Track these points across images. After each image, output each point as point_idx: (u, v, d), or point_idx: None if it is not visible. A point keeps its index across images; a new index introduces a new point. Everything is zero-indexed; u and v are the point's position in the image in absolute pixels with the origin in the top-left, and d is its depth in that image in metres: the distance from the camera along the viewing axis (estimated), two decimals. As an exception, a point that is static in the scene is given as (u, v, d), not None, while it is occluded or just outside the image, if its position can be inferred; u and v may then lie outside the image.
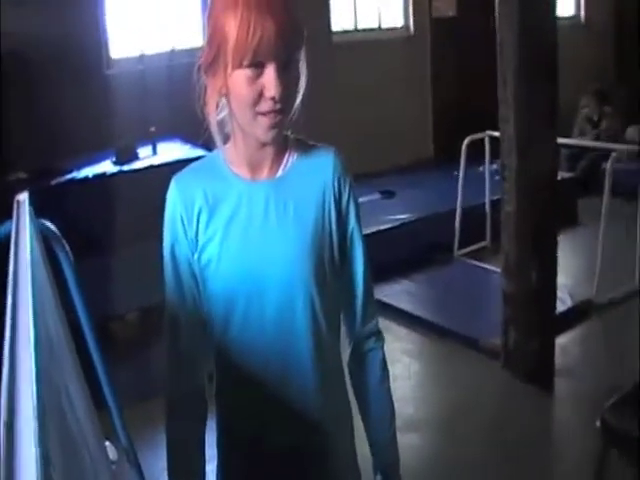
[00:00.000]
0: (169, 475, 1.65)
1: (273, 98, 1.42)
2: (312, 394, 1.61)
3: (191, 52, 6.21)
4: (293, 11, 1.43)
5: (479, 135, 6.03)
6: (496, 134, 5.67)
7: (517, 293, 4.19)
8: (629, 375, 3.90)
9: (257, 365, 1.59)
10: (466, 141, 5.99)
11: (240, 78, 1.43)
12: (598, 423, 2.84)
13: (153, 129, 5.19)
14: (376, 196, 6.46)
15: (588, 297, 5.15)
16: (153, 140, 5.19)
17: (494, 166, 6.21)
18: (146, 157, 5.12)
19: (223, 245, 1.55)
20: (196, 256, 1.57)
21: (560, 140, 4.52)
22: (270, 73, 1.42)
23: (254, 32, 1.38)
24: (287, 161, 1.59)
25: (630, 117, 8.06)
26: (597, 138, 7.70)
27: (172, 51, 6.16)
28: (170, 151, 5.20)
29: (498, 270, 5.09)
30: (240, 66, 1.42)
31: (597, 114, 7.94)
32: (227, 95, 1.47)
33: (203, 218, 1.56)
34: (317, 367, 1.59)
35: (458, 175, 6.13)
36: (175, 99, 5.74)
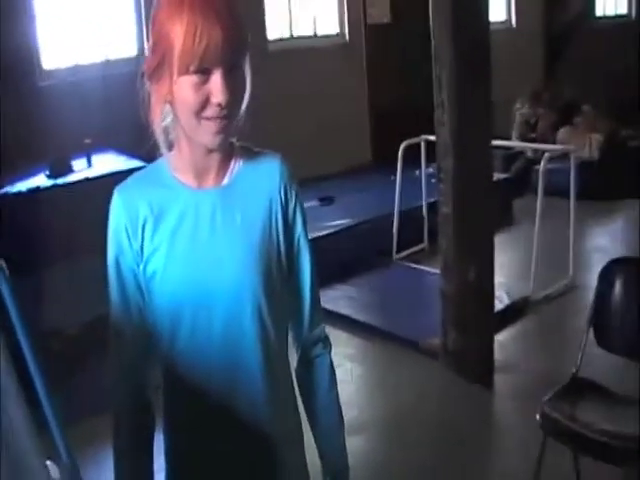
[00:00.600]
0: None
1: (219, 104, 1.42)
2: (261, 404, 1.59)
3: (126, 62, 6.23)
4: (239, 17, 1.43)
5: (415, 139, 6.10)
6: (432, 138, 5.77)
7: (455, 293, 4.26)
8: (567, 368, 4.02)
9: (205, 377, 1.57)
10: (402, 146, 6.06)
11: (186, 84, 1.42)
12: (538, 416, 2.90)
13: (88, 141, 5.13)
14: (315, 203, 6.49)
15: (525, 294, 5.26)
16: (88, 152, 5.13)
17: (430, 169, 6.32)
18: (81, 170, 5.05)
19: (169, 256, 1.53)
20: (141, 267, 1.54)
21: (494, 142, 4.61)
22: (217, 79, 1.42)
23: (201, 38, 1.38)
24: (233, 168, 1.58)
25: (560, 118, 8.26)
26: (534, 140, 7.88)
27: (106, 61, 6.11)
28: (105, 163, 5.15)
29: (436, 272, 5.17)
30: (186, 72, 1.41)
31: (533, 117, 8.14)
32: (172, 101, 1.46)
33: (148, 229, 1.53)
34: (266, 376, 1.58)
35: (395, 179, 6.21)
36: (110, 110, 5.75)
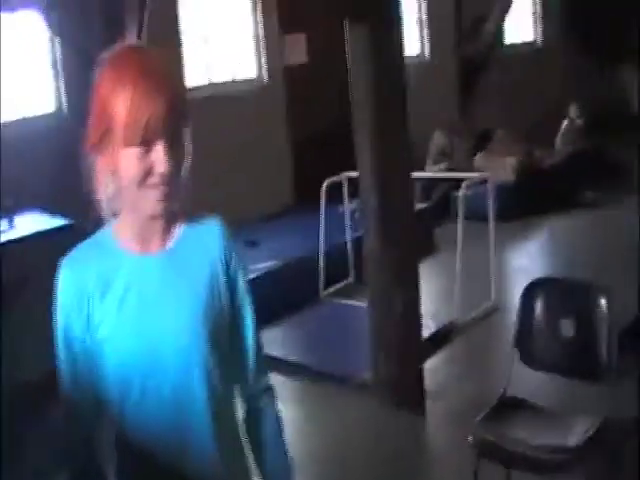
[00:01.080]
0: None
1: (162, 174, 1.48)
2: (212, 462, 1.62)
3: (43, 118, 6.18)
4: (179, 87, 1.54)
5: (337, 177, 6.22)
6: (353, 174, 5.92)
7: (384, 324, 4.35)
8: (496, 389, 4.13)
9: (155, 441, 1.59)
10: (325, 184, 6.15)
11: (129, 156, 1.47)
12: (470, 438, 2.99)
13: (9, 202, 4.98)
14: (240, 246, 6.49)
15: (451, 319, 5.38)
16: (9, 213, 4.95)
17: (353, 204, 6.45)
18: (3, 231, 4.94)
19: (117, 324, 1.55)
20: (89, 337, 1.57)
21: (415, 174, 4.74)
22: (159, 151, 1.47)
23: (143, 113, 1.44)
24: (176, 233, 1.63)
25: (476, 145, 8.55)
26: (450, 169, 8.10)
27: (23, 119, 6.05)
28: (28, 223, 4.99)
29: (364, 305, 5.27)
30: (130, 145, 1.46)
31: (449, 147, 8.38)
32: (115, 172, 1.50)
33: (96, 298, 1.56)
34: (216, 435, 1.61)
35: (318, 218, 6.30)
36: (30, 168, 5.71)
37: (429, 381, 4.48)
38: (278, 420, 1.77)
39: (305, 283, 6.17)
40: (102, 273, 1.57)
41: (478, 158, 8.27)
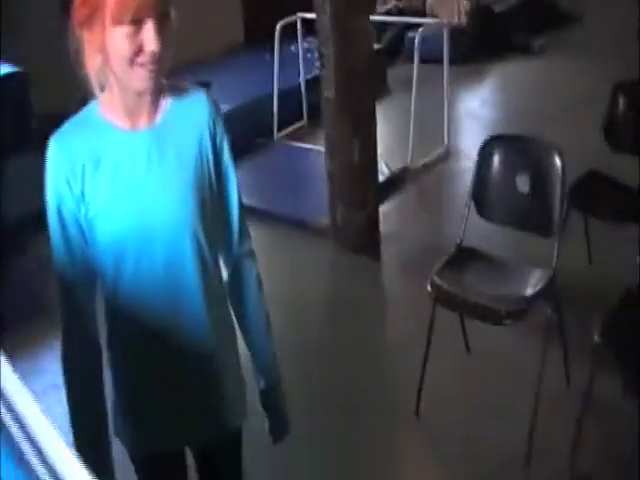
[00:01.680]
0: (71, 413, 1.72)
1: (153, 52, 1.49)
2: (202, 327, 1.73)
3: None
4: None
5: (291, 18, 6.08)
6: (308, 16, 5.80)
7: (341, 172, 4.42)
8: (447, 235, 4.29)
9: (150, 306, 1.68)
10: (279, 25, 6.00)
11: (120, 34, 1.48)
12: (428, 287, 3.14)
13: None
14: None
15: (404, 165, 5.45)
16: None
17: (305, 44, 6.35)
18: None
19: (110, 197, 1.60)
20: (83, 211, 1.61)
21: (371, 17, 4.66)
22: (150, 29, 1.48)
23: None
24: (163, 107, 1.65)
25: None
26: (400, 10, 7.95)
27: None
28: None
29: (319, 148, 5.31)
30: (120, 23, 1.47)
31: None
32: (103, 49, 1.51)
33: (88, 173, 1.59)
34: (205, 296, 1.71)
35: (271, 58, 6.20)
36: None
37: (383, 227, 4.61)
38: (259, 281, 1.88)
39: (258, 125, 6.15)
40: (93, 148, 1.60)
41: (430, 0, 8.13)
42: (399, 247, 4.59)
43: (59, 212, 1.61)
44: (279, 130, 6.23)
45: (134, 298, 1.68)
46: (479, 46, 7.69)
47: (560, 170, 3.09)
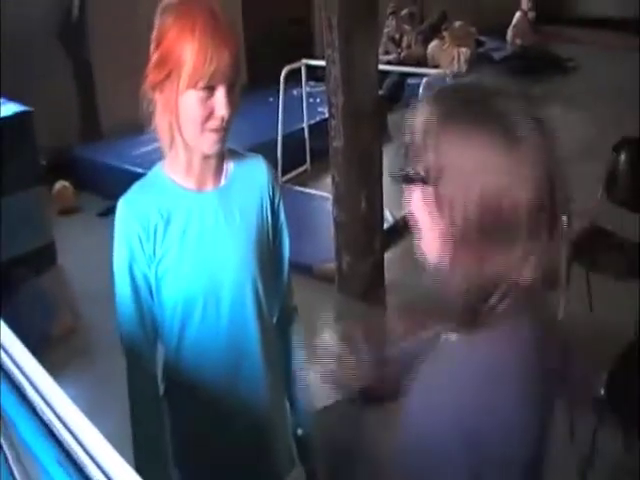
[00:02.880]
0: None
1: (222, 117, 1.59)
2: (260, 380, 1.83)
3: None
4: (238, 40, 1.63)
5: (296, 64, 6.20)
6: (312, 63, 5.93)
7: (348, 221, 4.50)
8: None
9: (213, 362, 1.77)
10: (284, 71, 6.13)
11: (193, 98, 1.58)
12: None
13: None
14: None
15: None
16: None
17: (308, 89, 6.47)
18: None
19: (180, 255, 1.70)
20: (153, 270, 1.70)
21: (381, 67, 4.77)
22: (221, 95, 1.59)
23: (211, 61, 1.54)
24: (227, 171, 1.77)
25: (430, 33, 8.54)
26: (399, 55, 8.11)
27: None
28: None
29: (322, 194, 5.40)
30: (194, 87, 1.57)
31: (398, 32, 8.36)
32: (173, 112, 1.61)
33: (159, 233, 1.69)
34: (264, 354, 1.82)
35: (274, 101, 6.31)
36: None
37: (388, 273, 4.67)
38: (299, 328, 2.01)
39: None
40: (164, 209, 1.70)
41: (431, 46, 8.29)
42: (404, 294, 4.65)
43: (130, 270, 1.70)
44: (282, 175, 6.31)
45: (197, 354, 1.77)
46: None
47: (564, 229, 3.16)
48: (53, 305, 4.44)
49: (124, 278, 1.71)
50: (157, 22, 1.62)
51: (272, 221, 1.83)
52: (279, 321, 1.95)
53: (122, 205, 1.71)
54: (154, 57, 1.61)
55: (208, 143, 1.64)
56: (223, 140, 1.66)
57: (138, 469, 0.82)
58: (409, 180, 1.24)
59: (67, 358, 3.91)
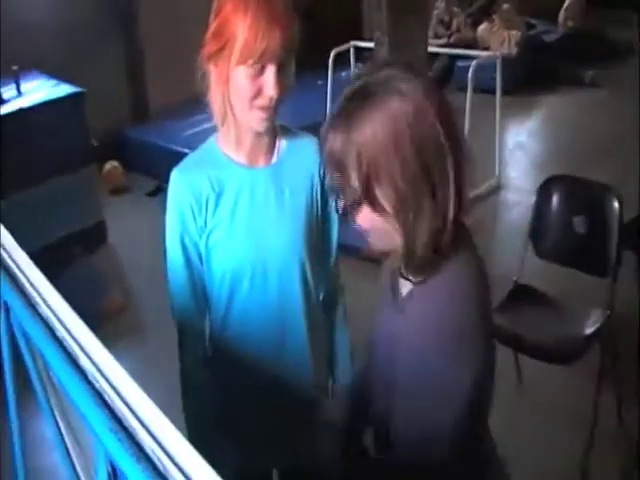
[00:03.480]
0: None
1: (271, 97, 1.60)
2: (304, 350, 1.85)
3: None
4: (294, 19, 1.60)
5: (345, 46, 6.18)
6: (360, 44, 5.90)
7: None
8: (499, 270, 4.30)
9: (259, 332, 1.80)
10: (333, 53, 6.11)
11: (243, 74, 1.59)
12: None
13: (15, 67, 4.91)
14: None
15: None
16: (16, 79, 4.91)
17: (356, 71, 6.43)
18: (11, 99, 4.86)
19: (230, 227, 1.72)
20: (204, 240, 1.73)
21: (430, 49, 4.74)
22: (270, 74, 1.59)
23: (262, 39, 1.55)
24: (278, 148, 1.77)
25: (479, 16, 8.43)
26: (449, 38, 8.04)
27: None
28: (35, 91, 4.99)
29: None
30: (244, 63, 1.58)
31: (447, 15, 8.28)
32: (226, 85, 1.62)
33: (211, 205, 1.71)
34: (309, 326, 1.84)
35: (322, 84, 6.30)
36: (35, 33, 5.62)
37: (434, 257, 4.63)
38: (345, 306, 2.03)
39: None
40: (216, 181, 1.72)
41: (481, 29, 8.21)
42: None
43: (182, 239, 1.73)
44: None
45: (243, 324, 1.80)
46: (528, 76, 7.72)
47: (617, 213, 3.13)
48: (104, 283, 4.52)
49: (176, 246, 1.74)
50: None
51: (322, 202, 1.83)
52: (325, 301, 1.97)
53: (175, 175, 1.73)
54: (212, 27, 1.63)
55: (256, 120, 1.65)
56: (271, 119, 1.67)
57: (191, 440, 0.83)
58: (352, 206, 1.32)
59: (118, 336, 3.96)
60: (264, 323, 1.79)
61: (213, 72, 1.64)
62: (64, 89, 4.98)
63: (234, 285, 1.76)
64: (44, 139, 4.66)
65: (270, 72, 1.59)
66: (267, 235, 1.75)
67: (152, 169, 5.88)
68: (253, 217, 1.74)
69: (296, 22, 1.61)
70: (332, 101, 6.14)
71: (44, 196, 4.69)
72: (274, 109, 1.65)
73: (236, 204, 1.73)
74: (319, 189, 1.82)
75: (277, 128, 1.78)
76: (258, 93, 1.61)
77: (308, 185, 1.80)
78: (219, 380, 1.87)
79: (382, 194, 1.28)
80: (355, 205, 1.31)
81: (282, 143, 1.79)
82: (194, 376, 1.84)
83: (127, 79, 6.80)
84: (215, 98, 1.66)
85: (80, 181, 4.99)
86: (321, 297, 1.95)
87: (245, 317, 1.79)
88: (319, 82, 6.62)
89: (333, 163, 1.30)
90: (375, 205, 1.29)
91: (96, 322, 4.03)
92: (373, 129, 1.25)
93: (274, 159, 1.77)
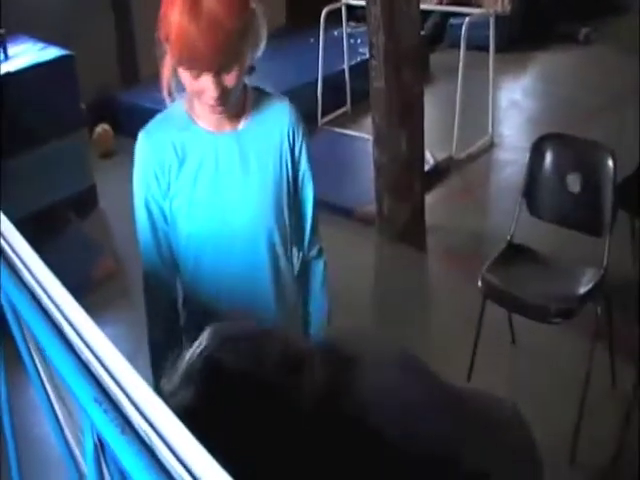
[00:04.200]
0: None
1: (213, 97, 1.55)
2: (272, 313, 1.83)
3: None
4: (232, 25, 1.48)
5: (337, 4, 6.09)
6: (352, 2, 5.82)
7: (389, 163, 4.46)
8: (493, 227, 4.32)
9: (226, 294, 1.78)
10: (325, 11, 6.00)
11: (183, 74, 1.55)
12: (479, 283, 3.18)
13: (1, 31, 4.81)
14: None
15: (448, 154, 5.46)
16: (2, 42, 4.80)
17: (349, 29, 6.37)
18: None
19: (193, 194, 1.69)
20: (168, 204, 1.71)
21: (422, 7, 4.66)
22: (207, 81, 1.53)
23: (188, 46, 1.47)
24: (247, 113, 1.72)
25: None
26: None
27: None
28: (22, 54, 4.89)
29: (363, 135, 5.35)
30: (179, 66, 1.54)
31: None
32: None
33: (174, 169, 1.68)
34: (278, 296, 1.83)
35: (314, 42, 6.22)
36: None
37: (429, 217, 4.63)
38: (324, 274, 1.99)
39: (302, 111, 6.14)
40: (180, 146, 1.68)
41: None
42: (445, 237, 4.62)
43: (147, 204, 1.72)
44: (322, 116, 6.24)
45: (211, 285, 1.78)
46: (523, 34, 7.62)
47: (612, 172, 3.11)
48: (95, 248, 4.50)
49: (141, 209, 1.73)
50: None
51: (292, 170, 1.78)
52: (303, 266, 1.95)
53: (141, 139, 1.71)
54: (160, 15, 1.55)
55: (207, 111, 1.64)
56: (224, 110, 1.62)
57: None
58: None
59: (107, 300, 3.96)
60: (231, 289, 1.78)
61: (164, 57, 1.60)
62: (52, 52, 4.90)
63: (199, 249, 1.75)
64: (33, 104, 4.60)
65: (207, 79, 1.52)
66: (231, 202, 1.71)
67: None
68: (216, 184, 1.70)
69: (236, 26, 1.48)
70: (324, 59, 6.08)
71: (35, 162, 4.65)
72: (224, 104, 1.59)
73: (198, 171, 1.70)
74: (289, 154, 1.76)
75: (248, 93, 1.72)
76: (201, 92, 1.56)
77: (276, 151, 1.75)
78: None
79: None
80: None
81: (251, 108, 1.73)
82: (161, 334, 1.82)
83: (116, 41, 6.71)
84: (166, 75, 1.64)
85: (71, 145, 4.93)
86: (297, 265, 1.93)
87: (213, 280, 1.78)
88: (311, 40, 6.54)
89: None
90: None
91: (86, 286, 4.05)
92: None
93: (241, 125, 1.72)
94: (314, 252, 1.96)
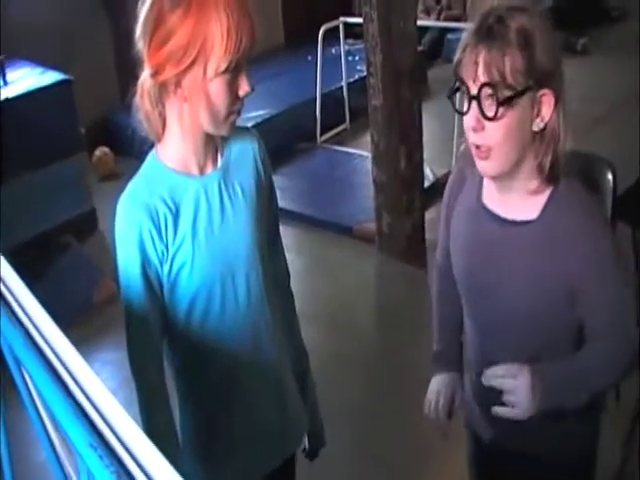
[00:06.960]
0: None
1: (247, 94, 1.55)
2: (273, 352, 1.80)
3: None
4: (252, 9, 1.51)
5: (334, 22, 6.11)
6: (350, 20, 5.84)
7: (388, 181, 4.46)
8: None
9: (236, 341, 1.73)
10: (323, 29, 6.01)
11: (221, 84, 1.50)
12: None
13: (1, 57, 4.83)
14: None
15: (448, 169, 5.43)
16: (1, 68, 4.82)
17: (346, 47, 6.38)
18: None
19: (194, 244, 1.61)
20: (167, 265, 1.60)
21: (420, 23, 4.68)
22: (244, 74, 1.53)
23: (241, 36, 1.46)
24: (222, 149, 1.69)
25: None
26: (439, 15, 7.97)
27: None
28: (21, 79, 4.91)
29: (362, 153, 5.35)
30: (223, 73, 1.49)
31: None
32: (189, 100, 1.53)
33: (170, 225, 1.59)
34: (275, 322, 1.80)
35: (312, 60, 6.24)
36: (21, 19, 5.53)
37: (428, 233, 4.61)
38: (290, 290, 1.97)
39: (300, 129, 6.19)
40: (170, 199, 1.60)
41: (470, 3, 8.11)
42: (445, 254, 4.59)
43: (144, 271, 1.59)
44: (321, 134, 6.25)
45: (221, 337, 1.70)
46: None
47: (611, 185, 3.08)
48: (95, 271, 4.49)
49: (136, 280, 1.59)
50: (154, 15, 1.49)
51: (266, 187, 1.77)
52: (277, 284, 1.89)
53: (125, 204, 1.58)
54: (164, 53, 1.49)
55: (229, 126, 1.59)
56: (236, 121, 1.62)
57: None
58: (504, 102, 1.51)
59: (109, 323, 3.94)
60: (239, 332, 1.72)
61: (171, 94, 1.53)
62: (51, 77, 4.92)
63: (208, 299, 1.65)
64: (32, 129, 4.61)
65: (244, 72, 1.53)
66: (230, 242, 1.66)
67: (143, 154, 5.81)
68: (213, 227, 1.64)
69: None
70: (322, 77, 6.09)
71: (34, 186, 4.65)
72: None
73: (195, 218, 1.62)
74: (263, 177, 1.75)
75: None
76: (235, 97, 1.54)
77: (256, 178, 1.73)
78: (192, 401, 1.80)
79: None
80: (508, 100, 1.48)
81: (223, 143, 1.69)
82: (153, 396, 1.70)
83: (115, 65, 6.72)
84: (154, 115, 1.56)
85: (71, 169, 4.94)
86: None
87: (222, 330, 1.70)
88: (309, 58, 6.55)
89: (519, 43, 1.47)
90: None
91: (87, 310, 4.02)
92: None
93: (220, 161, 1.68)
94: (283, 270, 1.93)
